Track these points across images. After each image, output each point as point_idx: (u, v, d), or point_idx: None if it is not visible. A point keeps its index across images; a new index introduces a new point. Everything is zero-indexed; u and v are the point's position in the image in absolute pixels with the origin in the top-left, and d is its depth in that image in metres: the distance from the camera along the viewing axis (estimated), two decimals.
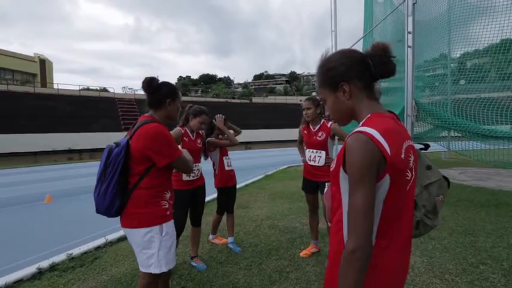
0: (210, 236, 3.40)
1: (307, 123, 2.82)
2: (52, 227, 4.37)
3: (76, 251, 3.12)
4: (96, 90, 31.63)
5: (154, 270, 1.54)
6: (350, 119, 0.95)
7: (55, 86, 27.33)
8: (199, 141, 2.73)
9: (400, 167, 0.80)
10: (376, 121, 0.84)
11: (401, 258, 0.87)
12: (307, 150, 2.80)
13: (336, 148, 4.97)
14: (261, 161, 12.76)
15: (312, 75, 77.60)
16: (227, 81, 75.32)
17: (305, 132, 2.84)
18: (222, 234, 3.53)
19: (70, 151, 19.31)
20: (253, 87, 67.47)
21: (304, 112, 2.73)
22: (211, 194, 5.43)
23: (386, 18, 7.72)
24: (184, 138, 2.58)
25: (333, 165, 0.91)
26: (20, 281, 2.61)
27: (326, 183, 1.04)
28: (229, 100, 35.49)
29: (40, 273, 2.75)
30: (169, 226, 1.62)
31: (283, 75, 79.29)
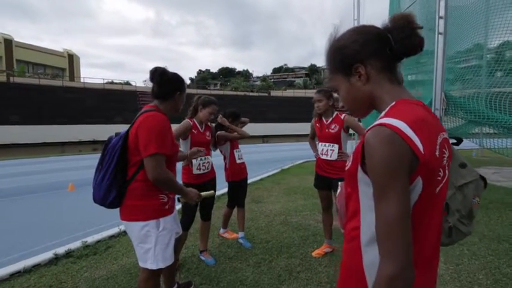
0: (221, 230, 3.35)
1: (320, 116, 2.65)
2: (71, 215, 4.54)
3: (90, 239, 3.20)
4: (120, 83, 32.75)
5: (151, 266, 1.50)
6: (369, 109, 0.79)
7: (82, 80, 28.63)
8: (208, 133, 2.65)
9: (434, 166, 0.65)
10: (403, 110, 0.67)
11: (427, 274, 0.71)
12: (320, 143, 2.64)
13: (352, 144, 4.73)
14: (278, 154, 12.59)
15: None
16: (246, 75, 75.14)
17: (317, 125, 2.68)
18: (233, 229, 3.47)
19: (94, 142, 20.23)
20: (272, 80, 66.80)
21: (315, 105, 2.57)
22: (222, 188, 5.42)
23: (414, 5, 7.21)
24: (193, 130, 2.51)
25: (348, 164, 0.77)
26: (37, 265, 2.72)
27: (339, 182, 0.88)
28: (247, 93, 35.40)
29: (56, 258, 2.85)
30: (167, 221, 1.55)
31: (303, 68, 77.73)
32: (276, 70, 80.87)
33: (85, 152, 16.78)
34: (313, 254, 2.79)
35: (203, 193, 1.79)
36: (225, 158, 3.05)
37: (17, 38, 33.75)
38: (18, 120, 18.84)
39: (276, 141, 21.63)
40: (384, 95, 0.74)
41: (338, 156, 2.50)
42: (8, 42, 32.51)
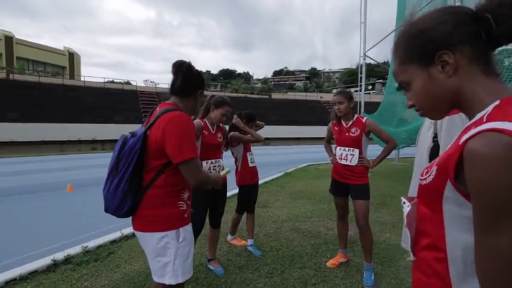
0: (229, 237, 3.19)
1: (339, 118, 2.51)
2: (70, 217, 4.37)
3: (91, 244, 3.03)
4: (120, 83, 32.56)
5: (170, 280, 1.34)
6: (450, 109, 0.65)
7: (82, 79, 28.43)
8: (219, 135, 2.50)
9: None
10: None
11: None
12: (338, 148, 2.50)
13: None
14: (280, 158, 12.44)
15: (333, 72, 75.55)
16: (246, 77, 75.14)
17: (336, 128, 2.54)
18: (240, 235, 3.32)
19: (94, 141, 20.01)
20: (272, 83, 66.80)
21: (335, 107, 2.42)
22: (230, 191, 5.27)
23: (422, 10, 7.15)
24: (204, 131, 2.37)
25: (428, 177, 0.62)
26: (34, 273, 2.55)
27: (403, 198, 0.72)
28: (248, 95, 35.29)
29: (55, 265, 2.68)
30: (187, 230, 1.40)
31: (304, 71, 77.81)
32: (277, 73, 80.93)
33: (84, 151, 16.58)
34: (328, 264, 2.64)
35: (222, 172, 1.69)
36: (236, 161, 2.90)
37: (18, 36, 33.49)
38: (17, 117, 18.59)
39: (277, 144, 21.47)
40: (478, 91, 0.58)
41: (358, 161, 2.36)
42: (9, 39, 32.22)
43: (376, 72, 47.58)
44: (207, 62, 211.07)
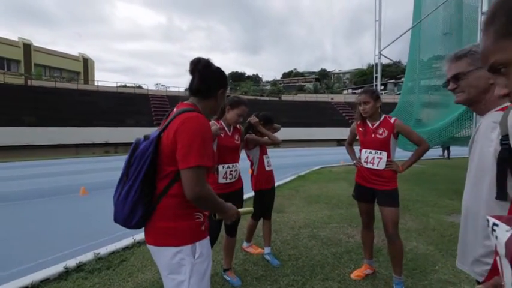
0: (244, 244, 3.04)
1: (364, 119, 2.33)
2: (83, 221, 4.32)
3: (103, 251, 2.95)
4: (132, 87, 33.14)
5: None
6: None
7: (95, 83, 29.10)
8: (237, 137, 2.36)
9: None
10: None
11: None
12: (363, 150, 2.31)
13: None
14: (292, 160, 12.23)
15: (343, 73, 74.61)
16: (255, 79, 75.24)
17: (360, 129, 2.35)
18: (256, 242, 3.17)
19: (107, 144, 20.34)
20: (281, 85, 66.59)
21: (360, 107, 2.24)
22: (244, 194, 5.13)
23: (438, 9, 6.88)
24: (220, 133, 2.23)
25: None
26: (46, 281, 2.47)
27: (490, 219, 0.54)
28: (257, 97, 35.22)
29: (67, 272, 2.60)
30: (204, 245, 1.25)
31: (313, 72, 77.22)
32: (286, 75, 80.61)
33: (98, 155, 16.86)
34: (352, 276, 2.45)
35: (241, 210, 1.48)
36: (252, 164, 2.75)
37: (35, 43, 34.74)
38: (35, 121, 19.14)
39: (288, 146, 21.23)
40: None
41: (386, 165, 2.17)
42: (27, 47, 33.46)
43: (387, 72, 46.61)
44: (216, 65, 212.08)
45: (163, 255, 1.19)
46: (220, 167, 2.22)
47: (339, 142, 26.58)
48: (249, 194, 3.29)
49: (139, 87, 33.81)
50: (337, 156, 12.76)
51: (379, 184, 2.20)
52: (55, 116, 20.03)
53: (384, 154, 2.18)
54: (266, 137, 2.67)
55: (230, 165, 2.26)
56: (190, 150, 1.11)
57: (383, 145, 2.18)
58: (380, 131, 2.20)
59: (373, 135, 2.22)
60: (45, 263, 2.74)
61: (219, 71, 1.34)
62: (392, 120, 2.19)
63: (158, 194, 1.21)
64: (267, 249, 2.86)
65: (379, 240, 3.18)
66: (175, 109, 1.29)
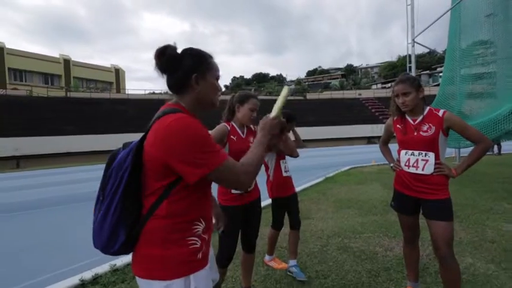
0: (266, 257, 2.75)
1: (402, 114, 1.93)
2: None
3: (119, 262, 2.84)
4: (160, 93, 34.46)
5: None
6: None
7: (126, 92, 30.71)
8: (251, 139, 2.08)
9: None
10: None
11: None
12: (403, 151, 1.91)
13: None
14: (319, 160, 11.68)
15: (371, 67, 71.26)
16: (279, 79, 74.65)
17: (398, 126, 1.94)
18: (280, 254, 2.87)
19: None
20: (306, 83, 65.28)
21: (399, 100, 1.83)
22: (263, 200, 4.84)
23: None
24: (232, 136, 1.97)
25: None
26: None
27: None
28: None
29: (83, 285, 2.52)
30: (200, 278, 1.00)
31: (339, 69, 74.69)
32: (310, 73, 78.91)
33: None
34: None
35: (275, 111, 1.11)
36: (267, 169, 2.48)
37: (73, 58, 37.75)
38: (73, 130, 20.59)
39: (314, 146, 20.51)
40: None
41: (435, 169, 1.76)
42: (67, 62, 36.52)
43: (420, 63, 43.45)
44: (240, 67, 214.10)
45: None
46: None
47: (370, 140, 25.22)
48: (267, 201, 3.01)
49: (167, 93, 35.00)
50: (368, 155, 11.98)
51: (427, 193, 1.79)
52: (91, 125, 21.38)
53: (431, 155, 1.76)
54: (290, 142, 2.38)
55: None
56: (200, 155, 0.92)
57: (429, 144, 1.77)
58: (425, 128, 1.79)
59: (415, 133, 1.81)
60: (62, 275, 2.69)
61: (185, 53, 1.04)
62: (440, 113, 1.77)
63: (145, 214, 0.98)
64: (292, 262, 2.56)
65: (425, 254, 2.72)
66: (160, 109, 1.06)
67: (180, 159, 0.91)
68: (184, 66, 1.03)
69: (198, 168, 0.91)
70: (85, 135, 20.09)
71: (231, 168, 0.97)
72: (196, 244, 1.00)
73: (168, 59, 1.02)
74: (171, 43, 1.02)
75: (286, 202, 2.51)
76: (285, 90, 1.11)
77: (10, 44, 42.27)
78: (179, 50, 1.04)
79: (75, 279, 2.57)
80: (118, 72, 42.38)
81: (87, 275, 2.62)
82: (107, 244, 0.96)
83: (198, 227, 1.02)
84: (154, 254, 0.96)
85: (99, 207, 0.99)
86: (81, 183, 8.74)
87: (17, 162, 17.76)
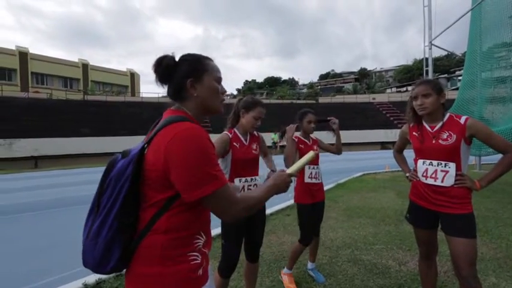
0: (284, 270, 2.53)
1: (419, 119, 1.79)
2: None
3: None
4: None
5: None
6: None
7: (141, 95, 31.43)
8: (255, 146, 2.00)
9: None
10: None
11: None
12: (421, 161, 1.77)
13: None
14: (330, 166, 11.42)
15: (385, 71, 69.86)
16: (291, 83, 74.42)
17: (415, 134, 1.80)
18: (284, 264, 2.74)
19: None
20: (318, 87, 64.72)
21: (417, 102, 1.69)
22: (271, 206, 4.72)
23: None
24: (234, 143, 1.89)
25: None
26: None
27: None
28: (294, 101, 34.55)
29: None
30: None
31: (352, 72, 73.67)
32: (323, 76, 78.21)
33: None
34: None
35: (293, 168, 1.09)
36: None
37: (91, 62, 39.15)
38: (89, 132, 21.20)
39: (325, 151, 20.15)
40: None
41: (456, 181, 1.61)
42: (85, 66, 37.91)
43: (438, 66, 42.17)
44: (252, 71, 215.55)
45: None
46: (236, 181, 1.89)
47: (383, 145, 24.56)
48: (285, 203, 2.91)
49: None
50: (381, 161, 11.63)
51: (446, 206, 1.64)
52: (106, 127, 21.95)
53: (452, 166, 1.62)
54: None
55: (248, 178, 1.92)
56: (196, 175, 0.85)
57: (450, 154, 1.62)
58: (444, 136, 1.64)
59: (434, 141, 1.67)
60: (65, 278, 2.68)
61: (181, 60, 1.00)
62: (462, 120, 1.63)
63: (142, 229, 0.91)
64: (311, 265, 2.59)
65: (441, 270, 2.53)
66: (163, 117, 1.00)
67: (181, 174, 0.85)
68: (179, 72, 0.99)
69: (197, 189, 0.85)
70: (100, 137, 20.64)
71: (227, 196, 0.90)
72: (197, 260, 0.93)
73: (164, 68, 0.99)
74: (169, 53, 1.00)
75: (311, 209, 2.41)
76: (310, 154, 1.15)
77: (33, 49, 44.28)
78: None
79: (78, 283, 2.56)
80: (133, 76, 43.53)
81: (91, 279, 2.60)
82: (99, 262, 0.89)
83: (199, 241, 0.95)
84: (152, 273, 0.88)
85: (92, 220, 0.92)
86: (94, 185, 8.91)
87: (35, 162, 18.42)
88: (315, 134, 2.64)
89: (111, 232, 0.87)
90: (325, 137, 2.82)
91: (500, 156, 1.61)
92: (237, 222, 1.83)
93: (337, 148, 2.64)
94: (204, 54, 1.07)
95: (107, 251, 0.87)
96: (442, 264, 2.63)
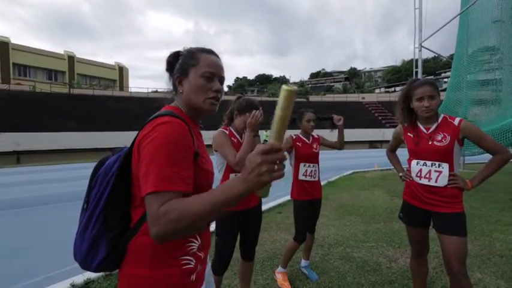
0: (278, 269, 2.54)
1: (413, 121, 1.81)
2: None
3: None
4: (163, 92, 34.46)
5: None
6: None
7: (130, 90, 30.71)
8: None
9: None
10: None
11: None
12: (415, 161, 1.80)
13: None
14: (321, 164, 11.58)
15: (374, 71, 71.06)
16: (282, 81, 74.64)
17: (409, 135, 1.83)
18: (277, 262, 2.75)
19: None
20: (309, 86, 65.17)
21: (422, 103, 1.66)
22: (267, 202, 4.73)
23: None
24: (232, 138, 1.88)
25: None
26: None
27: None
28: None
29: None
30: None
31: (342, 72, 74.57)
32: (314, 75, 78.82)
33: None
34: None
35: (271, 136, 0.68)
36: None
37: (78, 55, 37.90)
38: (75, 126, 20.57)
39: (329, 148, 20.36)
40: None
41: (449, 181, 1.65)
42: (71, 59, 36.65)
43: (425, 68, 43.23)
44: (243, 68, 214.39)
45: None
46: (231, 176, 1.88)
47: (372, 144, 25.07)
48: (281, 199, 2.92)
49: (170, 91, 35.02)
50: (370, 160, 11.86)
51: (439, 205, 1.68)
52: (93, 121, 21.35)
53: (445, 166, 1.65)
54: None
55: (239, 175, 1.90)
56: (149, 169, 0.76)
57: (444, 155, 1.66)
58: (439, 137, 1.68)
59: (430, 143, 1.70)
60: (52, 278, 2.59)
61: (177, 53, 0.99)
62: (456, 122, 1.66)
63: (131, 228, 0.88)
64: (304, 263, 2.60)
65: (429, 267, 2.60)
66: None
67: (144, 161, 0.78)
68: (175, 68, 0.97)
69: (146, 182, 0.75)
70: (86, 132, 20.07)
71: (156, 205, 0.71)
72: (190, 264, 0.89)
73: (166, 65, 1.00)
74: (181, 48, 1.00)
75: (302, 207, 2.43)
76: (285, 91, 0.68)
77: (15, 39, 42.43)
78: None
79: (65, 283, 2.47)
80: (122, 70, 42.45)
81: (79, 279, 2.52)
82: (85, 258, 0.86)
83: (193, 244, 0.91)
84: (141, 275, 0.85)
85: (81, 218, 0.89)
86: (81, 181, 8.66)
87: (17, 157, 17.75)
88: (315, 132, 2.76)
89: (95, 229, 0.85)
90: (325, 136, 2.89)
91: (487, 156, 1.67)
92: (227, 215, 1.81)
93: (340, 144, 2.72)
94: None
95: (91, 248, 0.85)
96: (430, 261, 2.70)
